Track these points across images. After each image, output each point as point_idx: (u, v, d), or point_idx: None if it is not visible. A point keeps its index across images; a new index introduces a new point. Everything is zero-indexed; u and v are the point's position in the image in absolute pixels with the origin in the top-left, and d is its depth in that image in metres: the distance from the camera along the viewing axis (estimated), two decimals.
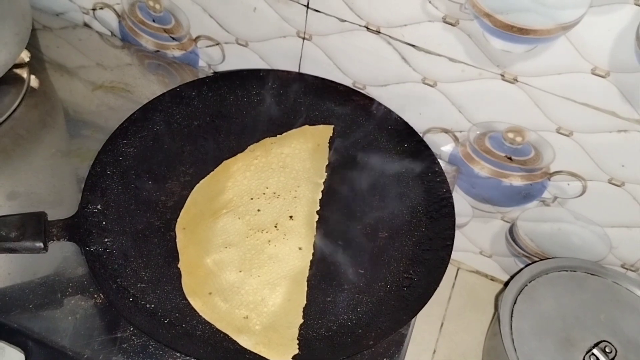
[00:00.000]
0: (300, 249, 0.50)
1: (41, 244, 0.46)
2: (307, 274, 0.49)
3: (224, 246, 0.49)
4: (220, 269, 0.48)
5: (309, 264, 0.50)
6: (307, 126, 0.59)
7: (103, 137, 0.55)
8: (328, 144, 0.58)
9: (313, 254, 0.50)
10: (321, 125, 0.59)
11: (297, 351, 0.45)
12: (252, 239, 0.50)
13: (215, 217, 0.51)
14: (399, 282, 0.49)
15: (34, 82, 0.64)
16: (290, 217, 0.51)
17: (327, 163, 0.56)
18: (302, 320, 0.46)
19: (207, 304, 0.47)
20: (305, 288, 0.48)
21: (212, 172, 0.54)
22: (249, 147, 0.56)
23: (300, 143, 0.57)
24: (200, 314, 0.46)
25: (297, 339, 0.45)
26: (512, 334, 0.61)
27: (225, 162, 0.55)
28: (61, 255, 0.51)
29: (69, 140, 0.60)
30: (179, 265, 0.48)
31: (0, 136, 0.59)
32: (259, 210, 0.52)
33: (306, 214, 0.52)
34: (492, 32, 0.52)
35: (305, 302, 0.47)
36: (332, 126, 0.59)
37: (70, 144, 0.60)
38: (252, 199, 0.52)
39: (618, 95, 0.52)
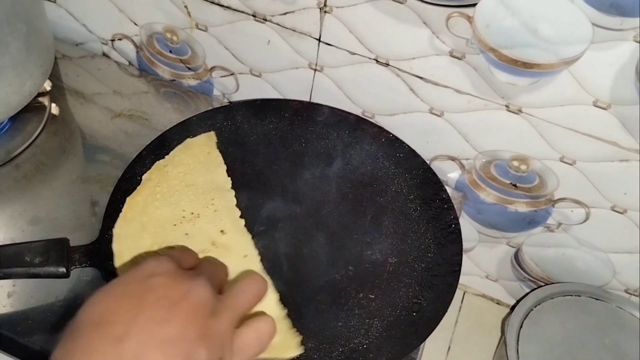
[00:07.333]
0: (245, 256, 0.50)
1: (64, 270, 0.48)
2: (263, 274, 0.48)
3: None
4: None
5: (260, 264, 0.49)
6: (188, 139, 0.59)
7: (122, 163, 0.57)
8: (217, 150, 0.58)
9: (326, 279, 0.52)
10: (202, 135, 0.59)
11: (300, 337, 0.45)
12: None
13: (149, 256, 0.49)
14: (409, 307, 0.51)
15: (54, 109, 0.66)
16: (222, 231, 0.51)
17: (225, 168, 0.56)
18: (286, 310, 0.46)
19: None
20: (270, 284, 0.47)
21: (120, 214, 0.52)
22: (143, 177, 0.55)
23: (191, 157, 0.57)
24: None
25: (294, 327, 0.45)
26: (518, 358, 0.62)
27: (127, 198, 0.53)
28: (82, 280, 0.53)
29: (88, 166, 0.62)
30: None
31: (23, 163, 0.61)
32: (186, 234, 0.51)
33: (233, 223, 0.52)
34: (497, 65, 0.54)
35: (277, 295, 0.47)
36: (213, 132, 0.59)
37: (89, 170, 0.61)
38: (175, 225, 0.51)
39: (619, 126, 0.54)
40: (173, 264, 0.36)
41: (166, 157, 0.57)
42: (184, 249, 0.44)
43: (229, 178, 0.55)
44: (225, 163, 0.58)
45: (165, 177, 0.55)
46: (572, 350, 0.63)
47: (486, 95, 0.57)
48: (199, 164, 0.56)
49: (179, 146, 0.58)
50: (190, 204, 0.53)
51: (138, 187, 0.54)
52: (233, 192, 0.54)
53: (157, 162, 0.56)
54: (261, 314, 0.39)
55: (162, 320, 0.32)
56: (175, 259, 0.37)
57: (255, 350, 0.36)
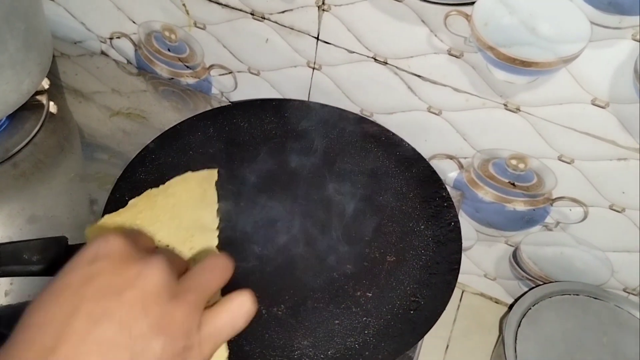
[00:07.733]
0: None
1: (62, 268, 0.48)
2: None
3: None
4: None
5: None
6: (189, 172, 0.55)
7: (120, 162, 0.57)
8: (215, 188, 0.54)
9: (324, 277, 0.52)
10: (205, 170, 0.56)
11: None
12: None
13: None
14: (407, 306, 0.50)
15: (52, 108, 0.66)
16: None
17: (217, 208, 0.52)
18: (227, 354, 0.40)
19: None
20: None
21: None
22: (130, 202, 0.51)
23: (185, 191, 0.54)
24: None
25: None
26: (516, 357, 0.62)
27: (106, 216, 0.49)
28: None
29: (86, 165, 0.62)
30: None
31: (21, 161, 0.61)
32: None
33: None
34: (495, 64, 0.54)
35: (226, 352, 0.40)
36: (217, 170, 0.56)
37: (88, 169, 0.61)
38: None
39: (618, 124, 0.54)
40: (122, 242, 0.30)
41: (160, 186, 0.53)
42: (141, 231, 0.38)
43: (218, 218, 0.51)
44: (225, 161, 0.57)
45: (152, 205, 0.52)
46: (570, 349, 0.63)
47: (484, 94, 0.57)
48: (191, 199, 0.53)
49: (177, 178, 0.54)
50: (168, 238, 0.49)
51: (121, 209, 0.50)
52: (217, 233, 0.50)
53: (150, 190, 0.52)
54: (235, 291, 0.35)
55: (101, 316, 0.27)
56: (130, 236, 0.31)
57: (230, 333, 0.32)
